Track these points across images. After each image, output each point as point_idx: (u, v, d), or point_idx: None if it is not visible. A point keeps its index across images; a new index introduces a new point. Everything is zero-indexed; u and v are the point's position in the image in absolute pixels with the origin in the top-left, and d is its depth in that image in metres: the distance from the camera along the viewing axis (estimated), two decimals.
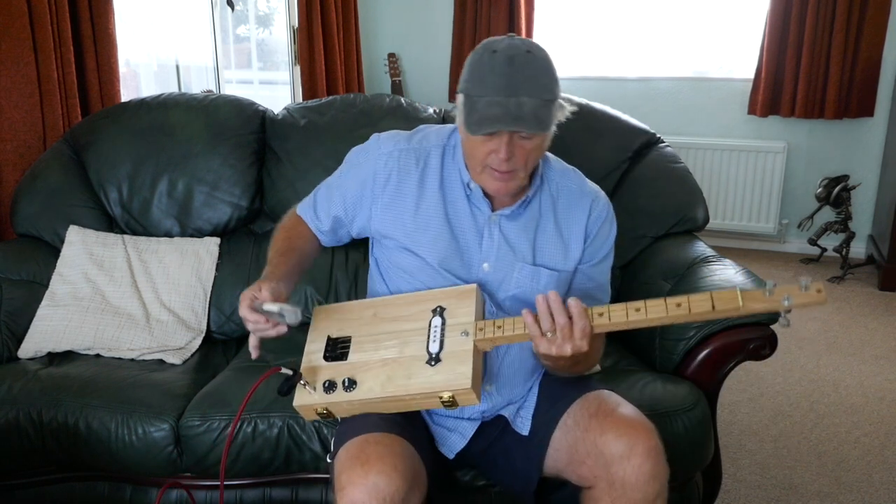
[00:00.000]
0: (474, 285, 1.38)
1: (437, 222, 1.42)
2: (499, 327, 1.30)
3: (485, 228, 1.42)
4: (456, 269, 1.42)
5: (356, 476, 1.19)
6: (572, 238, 1.45)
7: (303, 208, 1.59)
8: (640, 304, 1.23)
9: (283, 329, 1.31)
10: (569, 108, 1.34)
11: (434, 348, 1.31)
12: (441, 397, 1.26)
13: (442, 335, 1.33)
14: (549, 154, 1.49)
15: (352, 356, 1.37)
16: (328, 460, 1.35)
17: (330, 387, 1.33)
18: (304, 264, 1.53)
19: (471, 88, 1.27)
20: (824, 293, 1.12)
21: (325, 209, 1.54)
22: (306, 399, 1.34)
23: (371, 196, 1.46)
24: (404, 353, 1.34)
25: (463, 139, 1.36)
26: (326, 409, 1.33)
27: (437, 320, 1.35)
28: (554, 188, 1.47)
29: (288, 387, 1.31)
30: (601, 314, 1.24)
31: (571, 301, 1.23)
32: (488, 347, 1.34)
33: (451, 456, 1.46)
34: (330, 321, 1.44)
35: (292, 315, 1.29)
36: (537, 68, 1.27)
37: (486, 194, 1.41)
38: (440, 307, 1.36)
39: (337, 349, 1.39)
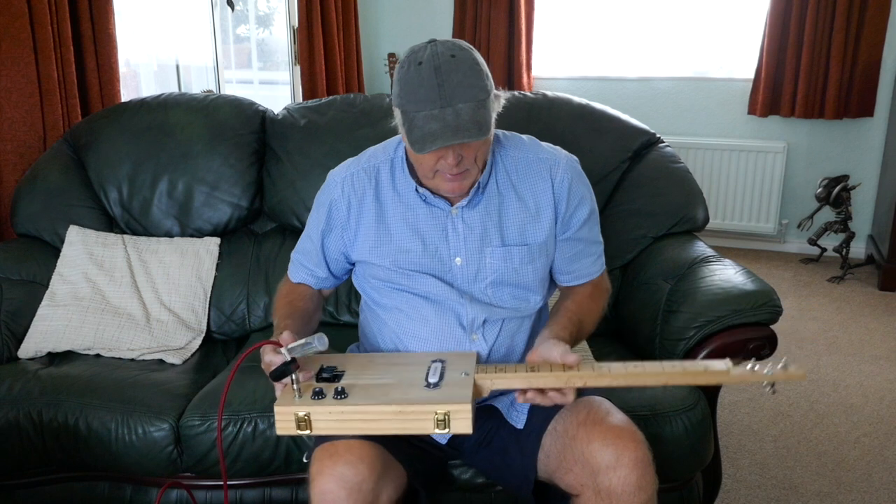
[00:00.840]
0: (475, 352, 1.42)
1: (402, 231, 1.44)
2: (500, 370, 1.32)
3: (448, 224, 1.43)
4: (433, 270, 1.44)
5: (325, 467, 1.25)
6: (541, 208, 1.45)
7: (293, 272, 1.60)
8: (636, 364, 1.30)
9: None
10: (503, 97, 1.36)
11: (433, 379, 1.30)
12: (436, 412, 1.22)
13: (442, 371, 1.33)
14: (501, 132, 1.50)
15: (345, 379, 1.32)
16: (304, 460, 1.34)
17: (318, 394, 1.26)
18: (311, 323, 1.53)
19: (405, 104, 1.28)
20: (804, 372, 1.30)
21: (311, 259, 1.55)
22: (289, 401, 1.26)
23: (340, 225, 1.49)
24: (402, 379, 1.32)
25: (409, 151, 1.39)
26: (307, 417, 1.24)
27: (437, 364, 1.35)
28: (509, 163, 1.46)
29: (280, 372, 1.25)
30: (599, 376, 1.28)
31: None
32: (486, 391, 1.32)
33: (444, 442, 1.48)
34: (320, 360, 1.39)
35: (320, 340, 1.27)
36: (465, 71, 1.26)
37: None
38: (440, 360, 1.37)
39: (331, 373, 1.34)
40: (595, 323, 1.51)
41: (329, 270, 1.56)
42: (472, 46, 1.32)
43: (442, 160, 1.31)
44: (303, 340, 1.26)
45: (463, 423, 1.23)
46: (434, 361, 1.36)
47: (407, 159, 1.46)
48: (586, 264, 1.52)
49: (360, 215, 1.47)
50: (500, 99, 1.34)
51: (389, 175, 1.47)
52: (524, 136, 1.52)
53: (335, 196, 1.48)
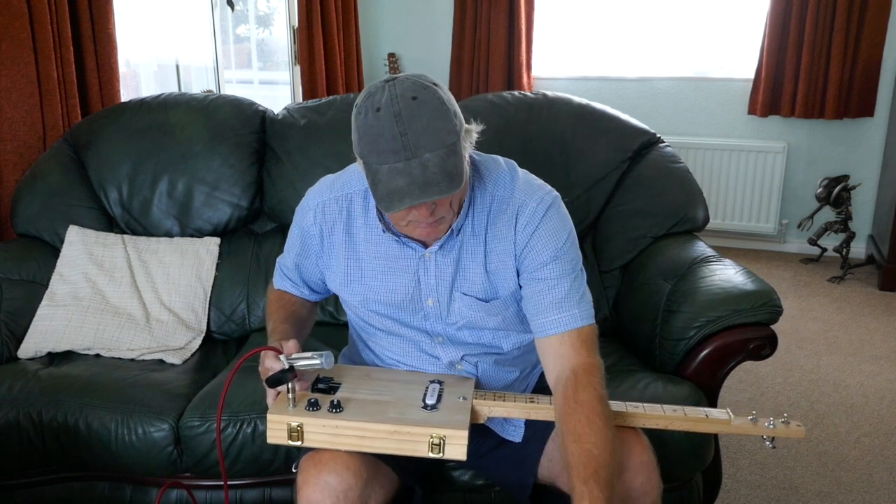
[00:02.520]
0: (473, 378, 1.40)
1: (374, 269, 1.37)
2: (499, 397, 1.32)
3: (420, 266, 1.35)
4: (404, 311, 1.38)
5: (310, 476, 1.23)
6: (503, 258, 1.33)
7: (278, 281, 1.54)
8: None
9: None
10: (476, 129, 1.22)
11: (431, 401, 1.28)
12: (431, 436, 1.21)
13: (440, 393, 1.32)
14: (479, 158, 1.36)
15: (341, 392, 1.31)
16: (293, 470, 1.33)
17: (314, 405, 1.24)
18: (305, 328, 1.50)
19: (366, 155, 1.14)
20: (804, 430, 1.30)
21: (292, 273, 1.50)
22: (283, 410, 1.24)
23: (314, 252, 1.43)
24: (399, 397, 1.31)
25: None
26: (300, 428, 1.22)
27: (434, 385, 1.34)
28: (485, 203, 1.33)
29: (276, 378, 1.23)
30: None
31: None
32: (483, 418, 1.32)
33: None
34: (317, 370, 1.36)
35: (327, 360, 1.23)
36: (429, 115, 1.12)
37: None
38: (439, 381, 1.37)
39: (327, 384, 1.32)
40: (606, 438, 1.20)
41: (310, 289, 1.51)
42: (436, 83, 1.18)
43: (414, 211, 1.19)
44: (308, 354, 1.22)
45: (458, 450, 1.22)
46: (432, 382, 1.35)
47: None
48: (550, 306, 1.30)
49: (331, 246, 1.39)
50: (471, 134, 1.21)
51: (362, 207, 1.36)
52: (504, 164, 1.37)
53: (308, 223, 1.40)
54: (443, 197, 1.14)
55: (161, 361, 1.94)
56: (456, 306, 1.35)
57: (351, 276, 1.38)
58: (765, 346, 1.67)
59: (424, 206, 1.17)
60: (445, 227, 1.28)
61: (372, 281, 1.37)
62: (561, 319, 1.30)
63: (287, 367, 1.23)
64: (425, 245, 1.33)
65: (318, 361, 1.23)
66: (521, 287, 1.34)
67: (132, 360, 1.93)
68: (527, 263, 1.32)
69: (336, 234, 1.38)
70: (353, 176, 1.39)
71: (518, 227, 1.31)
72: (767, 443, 1.30)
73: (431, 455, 1.22)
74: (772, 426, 1.28)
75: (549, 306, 1.30)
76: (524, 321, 1.39)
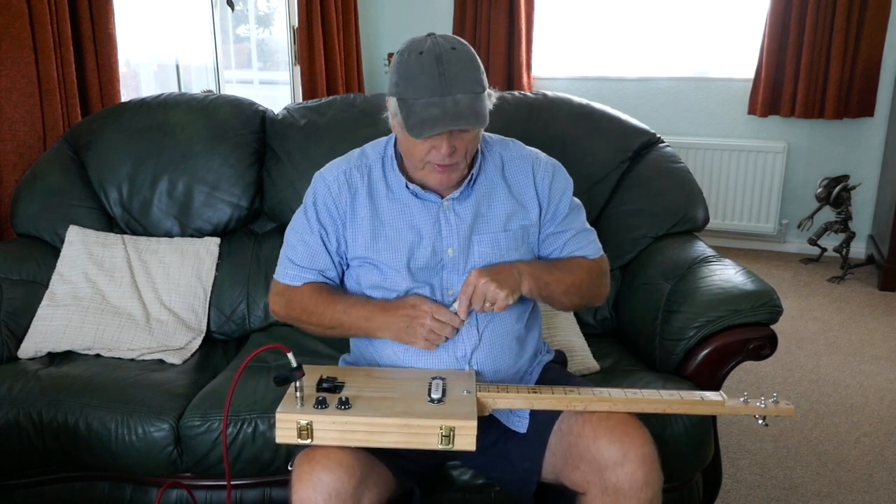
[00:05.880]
0: (473, 371, 1.42)
1: (398, 226, 1.46)
2: (502, 389, 1.34)
3: (440, 216, 1.45)
4: (424, 265, 1.45)
5: (303, 473, 1.25)
6: (526, 198, 1.49)
7: (295, 278, 1.50)
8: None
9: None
10: (494, 96, 1.39)
11: (436, 395, 1.30)
12: (441, 428, 1.23)
13: (444, 387, 1.33)
14: (484, 133, 1.52)
15: (347, 390, 1.32)
16: (289, 468, 1.34)
17: (321, 403, 1.26)
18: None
19: (404, 92, 1.31)
20: (793, 408, 1.41)
21: (311, 262, 1.49)
22: (292, 408, 1.25)
23: (333, 224, 1.47)
24: (404, 393, 1.32)
25: (401, 140, 1.41)
26: (310, 426, 1.23)
27: (437, 381, 1.35)
28: (496, 158, 1.51)
29: (284, 377, 1.26)
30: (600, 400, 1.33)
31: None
32: (488, 410, 1.34)
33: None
34: (319, 371, 1.38)
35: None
36: (465, 63, 1.31)
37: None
38: (441, 377, 1.37)
39: (332, 384, 1.33)
40: (577, 287, 1.50)
41: (334, 271, 1.51)
42: (469, 46, 1.36)
43: (434, 150, 1.34)
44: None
45: (467, 440, 1.24)
46: (435, 378, 1.36)
47: (396, 153, 1.48)
48: (579, 248, 1.53)
49: (353, 212, 1.47)
50: (491, 98, 1.38)
51: (381, 173, 1.48)
52: (507, 138, 1.57)
53: (332, 194, 1.48)
54: (470, 128, 1.31)
55: (161, 361, 1.94)
56: (475, 249, 1.46)
57: (377, 234, 1.46)
58: (765, 346, 1.68)
59: (446, 143, 1.32)
60: (457, 177, 1.41)
61: (397, 237, 1.45)
62: (587, 247, 1.54)
63: (295, 364, 1.26)
64: (441, 196, 1.45)
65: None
66: (540, 231, 1.51)
67: (132, 360, 1.93)
68: (551, 211, 1.51)
69: (360, 197, 1.47)
70: (366, 150, 1.53)
71: (537, 178, 1.50)
72: (760, 421, 1.39)
73: (441, 447, 1.24)
74: (763, 405, 1.37)
75: (571, 242, 1.52)
76: None
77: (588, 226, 1.58)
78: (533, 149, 1.56)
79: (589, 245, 1.55)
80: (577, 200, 1.56)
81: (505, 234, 1.47)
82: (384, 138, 1.53)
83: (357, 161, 1.51)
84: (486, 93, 1.34)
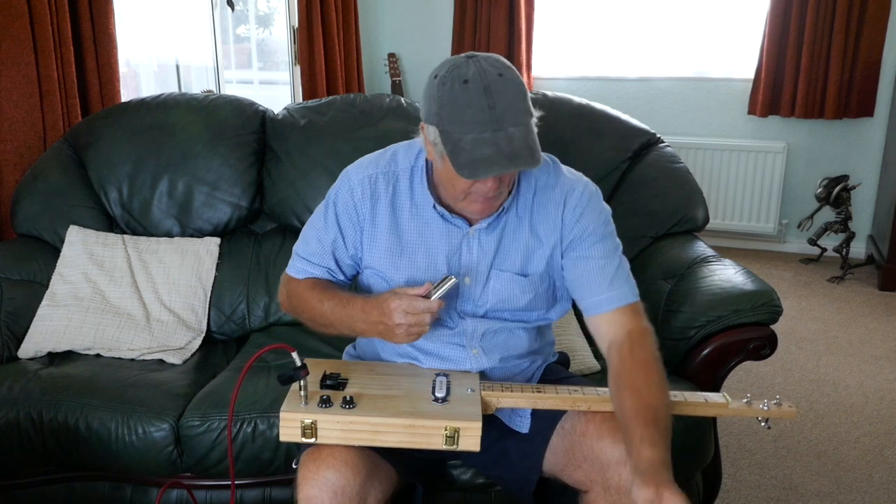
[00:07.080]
0: (477, 371, 1.41)
1: (416, 245, 1.40)
2: (506, 388, 1.33)
3: (462, 244, 1.38)
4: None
5: (309, 472, 1.24)
6: (548, 234, 1.39)
7: (302, 271, 1.47)
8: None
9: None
10: (537, 114, 1.27)
11: (441, 394, 1.29)
12: (445, 429, 1.23)
13: (448, 385, 1.32)
14: None
15: (350, 388, 1.32)
16: (294, 466, 1.34)
17: (325, 402, 1.25)
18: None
19: (448, 125, 1.19)
20: (795, 410, 1.41)
21: (322, 258, 1.46)
22: (296, 407, 1.25)
23: (352, 228, 1.42)
24: (409, 391, 1.32)
25: (441, 171, 1.30)
26: (314, 425, 1.23)
27: (441, 378, 1.35)
28: (532, 183, 1.40)
29: (288, 377, 1.25)
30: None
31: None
32: (491, 409, 1.34)
33: None
34: (322, 366, 1.38)
35: (452, 283, 1.30)
36: (514, 92, 1.19)
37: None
38: (444, 374, 1.37)
39: (336, 380, 1.33)
40: (664, 392, 1.29)
41: (342, 273, 1.48)
42: (512, 66, 1.24)
43: (479, 184, 1.24)
44: (442, 283, 1.28)
45: (471, 441, 1.24)
46: (438, 375, 1.36)
47: (428, 173, 1.39)
48: (603, 284, 1.38)
49: (373, 221, 1.40)
50: (534, 117, 1.27)
51: (408, 184, 1.40)
52: (547, 157, 1.41)
53: (355, 197, 1.41)
54: (528, 168, 1.20)
55: (161, 361, 1.94)
56: (492, 284, 1.39)
57: (392, 250, 1.40)
58: (765, 346, 1.68)
59: (495, 179, 1.23)
60: (497, 205, 1.34)
61: (413, 257, 1.40)
62: (615, 296, 1.38)
63: (300, 363, 1.26)
64: (470, 223, 1.37)
65: (454, 280, 1.29)
66: (564, 269, 1.40)
67: (132, 360, 1.93)
68: (576, 243, 1.39)
69: (380, 206, 1.40)
70: (399, 155, 1.43)
71: (567, 210, 1.38)
72: (763, 423, 1.40)
73: (445, 447, 1.24)
74: (766, 408, 1.37)
75: (602, 284, 1.37)
76: (548, 302, 1.45)
77: (620, 260, 1.41)
78: (573, 176, 1.42)
79: (616, 283, 1.38)
80: (608, 231, 1.41)
81: (520, 279, 1.39)
82: (418, 143, 1.40)
83: (386, 167, 1.41)
84: (533, 120, 1.21)
